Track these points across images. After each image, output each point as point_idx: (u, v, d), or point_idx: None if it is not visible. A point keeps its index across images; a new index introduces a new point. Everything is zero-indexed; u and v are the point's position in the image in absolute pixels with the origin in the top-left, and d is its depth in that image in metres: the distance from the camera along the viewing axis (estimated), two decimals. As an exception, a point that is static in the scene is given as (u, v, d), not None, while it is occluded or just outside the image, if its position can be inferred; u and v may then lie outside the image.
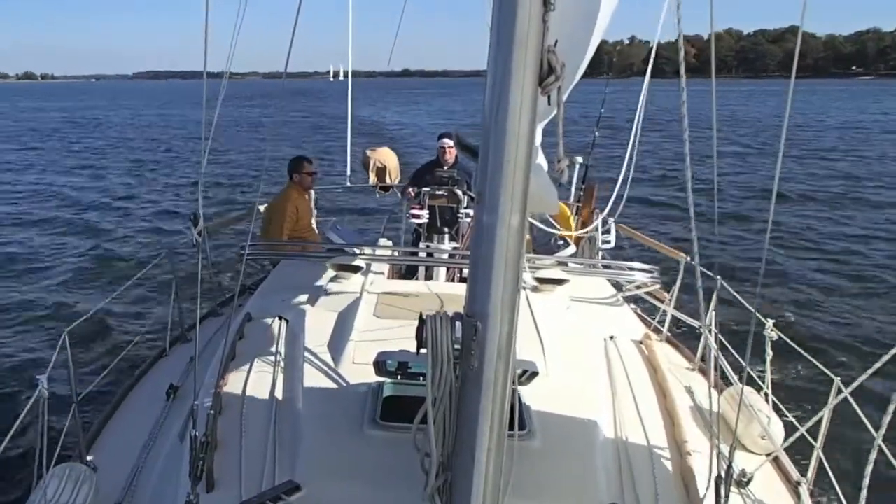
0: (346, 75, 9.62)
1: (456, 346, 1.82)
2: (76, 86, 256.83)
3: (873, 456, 2.51)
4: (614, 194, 5.96)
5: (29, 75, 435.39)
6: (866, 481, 2.46)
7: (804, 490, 3.21)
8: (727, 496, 2.49)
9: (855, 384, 2.74)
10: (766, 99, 75.76)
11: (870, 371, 2.49)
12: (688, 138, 2.14)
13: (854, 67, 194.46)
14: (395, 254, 5.58)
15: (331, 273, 4.49)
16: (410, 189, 6.61)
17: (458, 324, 1.82)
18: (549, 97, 1.67)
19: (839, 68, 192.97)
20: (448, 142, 6.68)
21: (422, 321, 1.87)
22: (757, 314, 2.81)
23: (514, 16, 1.59)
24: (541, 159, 3.04)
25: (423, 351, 1.87)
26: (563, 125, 1.75)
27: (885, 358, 2.31)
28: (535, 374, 2.74)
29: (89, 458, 3.38)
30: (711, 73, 2.22)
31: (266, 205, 6.72)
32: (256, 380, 3.40)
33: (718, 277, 4.16)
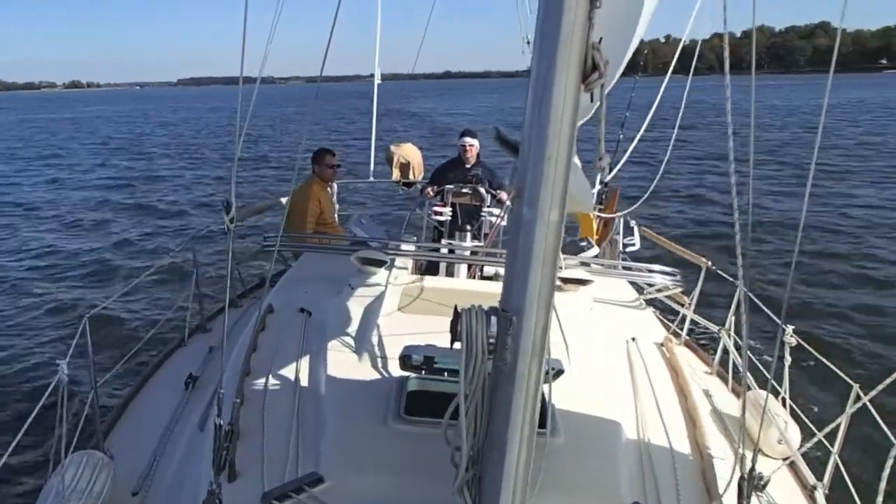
0: (387, 78, 9.84)
1: (490, 341, 1.82)
2: (122, 93, 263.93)
3: (889, 463, 2.50)
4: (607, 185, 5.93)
5: (76, 84, 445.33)
6: (882, 485, 2.45)
7: (820, 495, 3.22)
8: (749, 500, 2.48)
9: (874, 392, 2.73)
10: (794, 92, 79.64)
11: (889, 380, 2.48)
12: (732, 146, 2.13)
13: (882, 61, 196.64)
14: (420, 250, 5.57)
15: (354, 266, 4.47)
16: (430, 189, 6.59)
17: (493, 318, 1.82)
18: (591, 94, 1.66)
19: (866, 62, 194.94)
20: (469, 140, 6.65)
21: (457, 314, 1.86)
22: (776, 319, 2.79)
23: (560, 12, 1.58)
24: (574, 158, 3.02)
25: (457, 345, 1.86)
26: (605, 123, 1.74)
27: None
28: (560, 372, 2.74)
29: (107, 445, 3.41)
30: (751, 77, 2.20)
31: (287, 198, 6.68)
32: (279, 371, 3.40)
33: (739, 283, 4.12)
